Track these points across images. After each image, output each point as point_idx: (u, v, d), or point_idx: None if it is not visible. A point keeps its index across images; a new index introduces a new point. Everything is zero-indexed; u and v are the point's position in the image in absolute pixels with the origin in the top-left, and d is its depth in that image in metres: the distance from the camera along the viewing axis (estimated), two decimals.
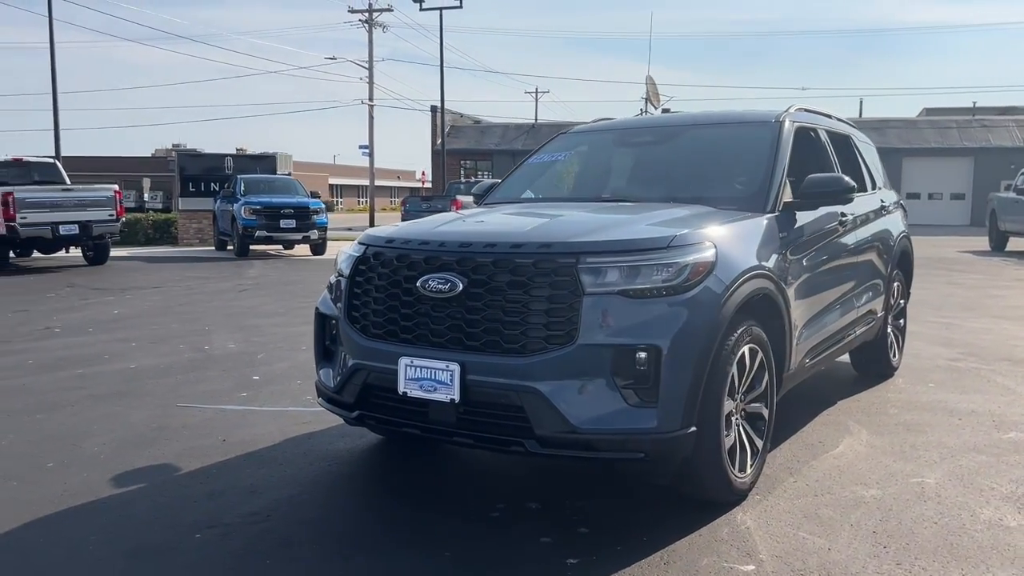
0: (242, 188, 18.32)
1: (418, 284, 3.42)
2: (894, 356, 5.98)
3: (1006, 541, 3.18)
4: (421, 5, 29.74)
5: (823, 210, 4.54)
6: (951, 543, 3.16)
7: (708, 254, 3.35)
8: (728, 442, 3.45)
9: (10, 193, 14.18)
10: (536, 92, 63.34)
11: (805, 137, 4.87)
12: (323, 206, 18.33)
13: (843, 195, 4.28)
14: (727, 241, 3.54)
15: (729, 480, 3.44)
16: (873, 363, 5.86)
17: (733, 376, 3.45)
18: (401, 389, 3.43)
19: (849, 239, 4.84)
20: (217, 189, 21.02)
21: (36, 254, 16.35)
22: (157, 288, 12.12)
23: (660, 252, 3.28)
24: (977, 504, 3.56)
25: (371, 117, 39.26)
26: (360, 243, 3.85)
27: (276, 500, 3.62)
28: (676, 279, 3.24)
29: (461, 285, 3.33)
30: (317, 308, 4.01)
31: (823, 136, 5.04)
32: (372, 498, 3.75)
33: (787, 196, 4.23)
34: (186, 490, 3.75)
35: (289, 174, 23.15)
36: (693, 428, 3.22)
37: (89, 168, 48.35)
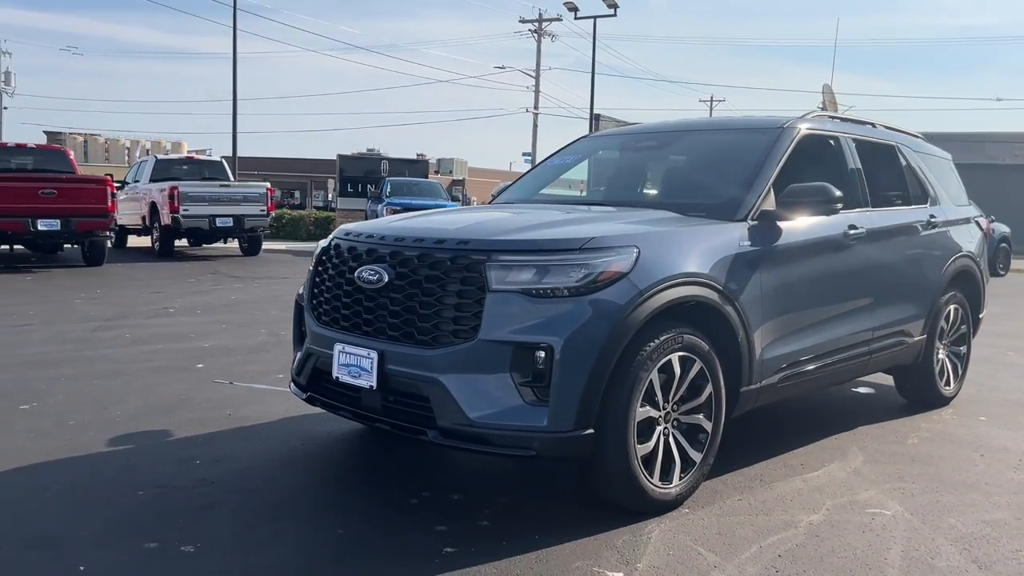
0: (388, 190, 19.28)
1: (355, 275, 3.62)
2: (947, 385, 5.55)
3: None
4: (576, 14, 29.96)
5: (822, 220, 4.34)
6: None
7: (623, 258, 3.33)
8: (643, 450, 3.40)
9: (175, 187, 15.61)
10: (711, 100, 62.04)
11: (818, 146, 4.66)
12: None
13: (826, 205, 4.08)
14: (657, 247, 3.49)
15: (642, 488, 3.39)
16: (918, 390, 5.47)
17: (653, 383, 3.40)
18: (335, 374, 3.63)
19: (861, 252, 4.57)
20: (373, 190, 22.15)
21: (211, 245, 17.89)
22: (285, 279, 12.98)
23: (571, 253, 3.30)
24: (920, 541, 3.31)
25: (535, 125, 39.96)
26: (332, 235, 4.10)
27: (230, 470, 3.91)
28: (582, 281, 3.24)
29: (387, 277, 3.48)
30: (296, 295, 4.29)
31: (848, 145, 4.78)
32: (314, 477, 3.94)
33: (770, 205, 4.08)
34: (162, 454, 4.12)
35: (463, 180, 24.05)
36: (590, 431, 3.21)
37: (275, 168, 52.11)
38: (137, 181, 17.66)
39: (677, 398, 3.57)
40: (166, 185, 15.85)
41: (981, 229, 6.06)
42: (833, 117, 4.96)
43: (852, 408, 5.50)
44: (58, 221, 12.94)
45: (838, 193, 4.06)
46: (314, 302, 3.94)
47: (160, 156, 18.96)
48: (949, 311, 5.47)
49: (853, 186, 4.72)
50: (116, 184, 18.26)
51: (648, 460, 3.44)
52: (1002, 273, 18.86)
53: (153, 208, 16.32)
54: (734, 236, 3.83)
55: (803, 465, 4.24)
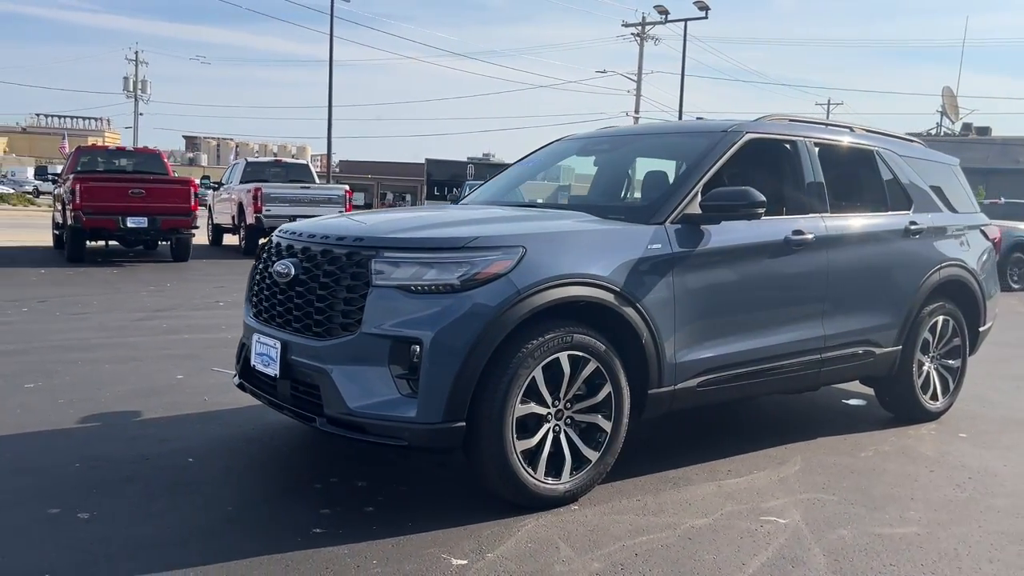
0: (466, 192, 19.68)
1: (271, 269, 3.85)
2: (934, 399, 5.33)
3: None
4: (666, 18, 29.61)
5: (759, 225, 4.30)
6: None
7: (504, 258, 3.42)
8: (524, 445, 3.48)
9: (259, 188, 16.41)
10: (828, 104, 60.03)
11: (768, 151, 4.61)
12: None
13: (748, 209, 4.03)
14: (546, 248, 3.56)
15: (523, 483, 3.47)
16: (898, 404, 5.28)
17: (536, 380, 3.47)
18: (252, 363, 3.88)
19: (810, 258, 4.48)
20: (454, 193, 22.64)
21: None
22: None
23: (453, 252, 3.43)
24: (793, 549, 3.27)
25: None
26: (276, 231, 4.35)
27: (170, 449, 4.20)
28: (460, 279, 3.36)
29: (293, 271, 3.70)
30: None
31: (807, 150, 4.69)
32: (241, 459, 4.13)
33: (695, 209, 4.07)
34: (119, 432, 4.46)
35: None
36: (461, 424, 3.33)
37: (391, 172, 53.63)
38: (230, 182, 18.63)
39: (570, 396, 3.63)
40: (251, 186, 16.67)
41: (987, 239, 5.78)
42: (797, 121, 4.86)
43: (828, 418, 5.36)
44: (145, 219, 13.81)
45: (760, 198, 4.01)
46: (249, 295, 4.20)
47: (250, 159, 19.92)
48: (936, 322, 5.27)
49: (808, 191, 4.63)
50: (213, 185, 19.36)
51: (532, 455, 3.52)
52: (1016, 286, 15.41)
53: (240, 208, 17.18)
54: (642, 239, 3.85)
55: (729, 471, 4.20)
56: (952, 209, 5.59)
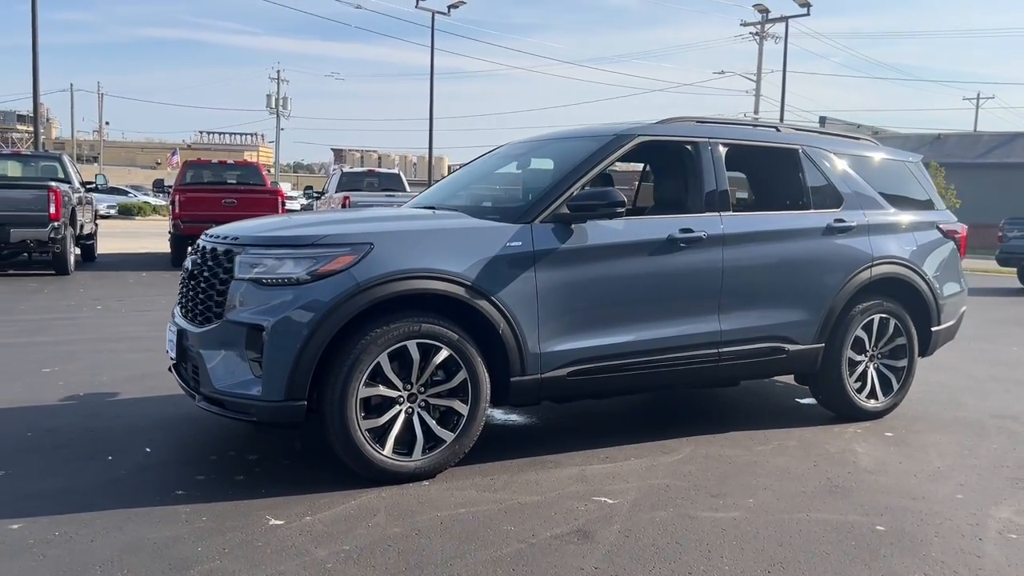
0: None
1: (185, 264, 4.40)
2: (873, 399, 5.31)
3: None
4: (766, 16, 28.85)
5: (640, 223, 4.52)
6: (472, 542, 3.28)
7: (349, 254, 3.81)
8: (370, 424, 3.84)
9: (347, 197, 17.33)
10: (977, 98, 56.54)
11: (663, 152, 4.79)
12: None
13: (607, 209, 4.24)
14: (396, 245, 3.93)
15: (368, 459, 3.84)
16: (831, 402, 5.30)
17: (382, 365, 3.84)
18: (166, 349, 4.43)
19: (701, 256, 4.61)
20: None
21: None
22: None
23: (303, 248, 3.86)
24: (571, 520, 3.49)
25: None
26: None
27: (120, 424, 4.79)
28: (306, 272, 3.78)
29: (190, 266, 4.23)
30: None
31: (710, 151, 4.81)
32: (171, 433, 4.65)
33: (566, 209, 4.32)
34: (85, 408, 5.12)
35: None
36: (303, 402, 3.74)
37: None
38: (329, 191, 19.75)
39: (424, 381, 3.97)
40: (342, 195, 17.64)
41: (945, 236, 5.67)
42: (706, 123, 4.99)
43: (765, 414, 5.42)
44: None
45: (619, 198, 4.22)
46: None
47: (346, 169, 21.02)
48: (872, 320, 5.24)
49: (706, 190, 4.75)
50: (316, 194, 20.55)
51: (381, 434, 3.89)
52: None
53: None
54: (501, 238, 4.14)
55: (606, 458, 4.42)
56: (901, 206, 5.53)
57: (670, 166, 4.84)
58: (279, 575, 2.97)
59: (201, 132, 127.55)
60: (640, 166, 6.21)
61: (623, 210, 4.27)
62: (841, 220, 5.16)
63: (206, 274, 4.08)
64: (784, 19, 36.74)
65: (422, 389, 3.99)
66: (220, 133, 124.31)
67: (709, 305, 4.67)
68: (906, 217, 5.50)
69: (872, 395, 5.33)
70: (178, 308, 4.48)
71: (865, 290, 5.20)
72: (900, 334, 5.38)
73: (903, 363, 5.43)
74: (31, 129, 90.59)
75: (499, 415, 5.27)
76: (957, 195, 25.04)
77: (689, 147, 4.84)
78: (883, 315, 5.29)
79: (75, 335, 7.77)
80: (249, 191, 15.70)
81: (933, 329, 5.55)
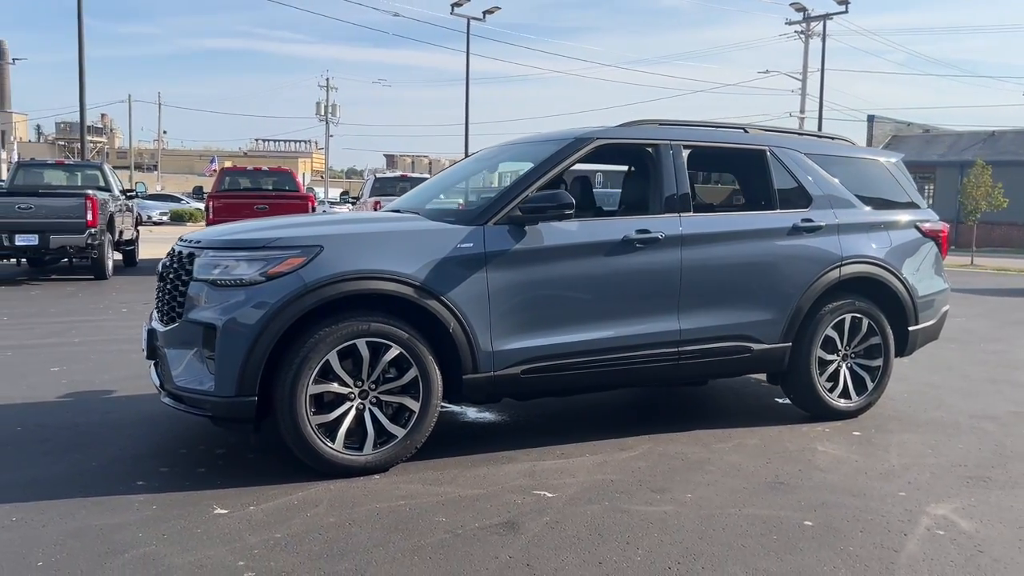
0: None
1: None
2: (845, 398, 5.31)
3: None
4: (805, 14, 28.43)
5: (596, 224, 4.63)
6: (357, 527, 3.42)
7: (299, 256, 3.99)
8: (321, 420, 4.00)
9: (378, 202, 17.63)
10: None
11: (624, 155, 4.88)
12: None
13: (556, 211, 4.34)
14: (346, 247, 4.09)
15: (319, 453, 4.00)
16: (801, 401, 5.32)
17: (331, 363, 4.00)
18: (142, 347, 4.66)
19: (658, 256, 4.67)
20: None
21: None
22: None
23: (255, 251, 4.05)
24: (488, 514, 3.60)
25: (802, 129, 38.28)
26: None
27: (105, 420, 5.04)
28: (257, 274, 3.97)
29: (162, 269, 4.45)
30: None
31: (672, 153, 4.87)
32: (150, 428, 4.87)
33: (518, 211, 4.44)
34: (78, 406, 5.38)
35: None
36: (253, 398, 3.92)
37: None
38: (363, 196, 20.10)
39: (375, 378, 4.12)
40: (373, 199, 17.97)
41: (924, 235, 5.64)
42: (669, 125, 5.06)
43: (740, 413, 5.46)
44: None
45: (568, 200, 4.33)
46: None
47: (379, 174, 21.36)
48: (844, 320, 5.25)
49: (666, 192, 4.82)
50: (352, 199, 20.91)
51: (331, 429, 4.05)
52: None
53: None
54: (453, 239, 4.28)
55: (561, 454, 4.52)
56: (877, 206, 5.52)
57: (632, 168, 4.92)
58: (207, 559, 3.15)
59: (257, 140, 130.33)
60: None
61: (571, 212, 4.37)
62: (809, 220, 5.17)
63: (171, 276, 4.30)
64: (824, 17, 36.21)
65: (373, 386, 4.14)
66: (275, 140, 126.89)
67: (668, 305, 4.74)
68: (881, 217, 5.49)
69: (845, 394, 5.33)
70: (155, 310, 4.71)
71: (834, 289, 5.21)
72: (874, 333, 5.37)
73: (878, 363, 5.41)
74: (96, 140, 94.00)
75: (472, 413, 5.41)
76: (1005, 194, 24.34)
77: (650, 149, 4.92)
78: (855, 314, 5.29)
79: (93, 336, 8.11)
80: (281, 197, 16.09)
81: (911, 329, 5.52)
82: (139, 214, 30.23)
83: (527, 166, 4.75)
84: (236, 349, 3.89)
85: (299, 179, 18.04)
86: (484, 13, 32.57)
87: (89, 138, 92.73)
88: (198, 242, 4.27)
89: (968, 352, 8.06)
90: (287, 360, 3.94)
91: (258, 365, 3.91)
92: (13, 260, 13.94)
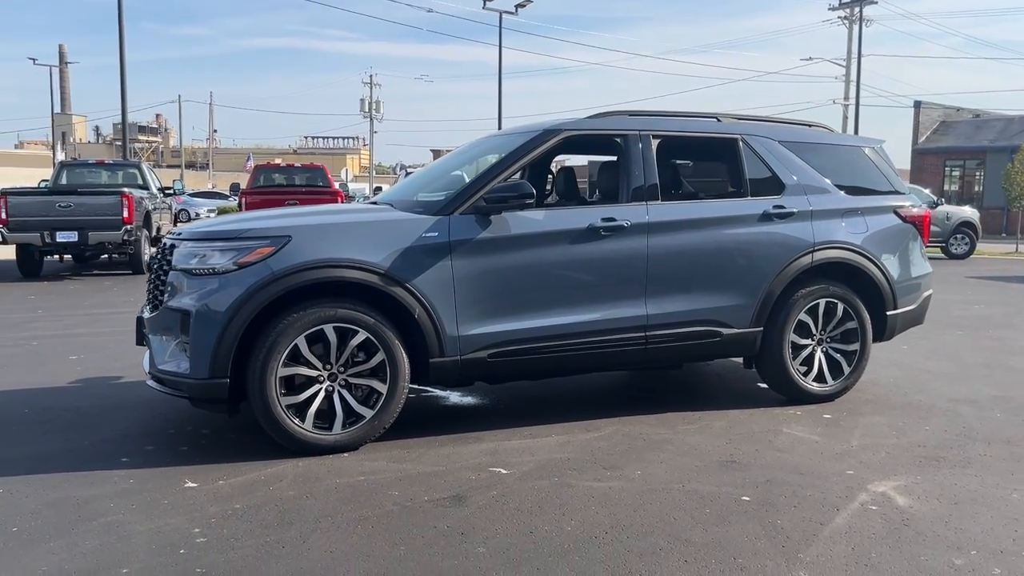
0: None
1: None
2: (820, 381, 5.39)
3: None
4: (840, 1, 27.91)
5: (561, 212, 4.79)
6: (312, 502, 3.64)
7: (267, 246, 4.22)
8: (290, 400, 4.23)
9: None
10: None
11: (592, 145, 5.02)
12: None
13: (518, 201, 4.51)
14: (313, 237, 4.31)
15: (288, 432, 4.23)
16: (776, 384, 5.41)
17: (299, 347, 4.23)
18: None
19: (625, 243, 4.81)
20: None
21: None
22: None
23: (227, 241, 4.30)
24: (465, 489, 3.79)
25: (844, 117, 37.74)
26: None
27: (106, 404, 5.35)
28: (228, 263, 4.21)
29: (150, 259, 4.73)
30: None
31: (640, 143, 5.00)
32: (144, 411, 5.14)
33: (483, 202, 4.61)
34: (85, 391, 5.70)
35: None
36: (225, 380, 4.17)
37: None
38: None
39: (343, 361, 4.34)
40: None
41: (904, 220, 5.67)
42: (639, 115, 5.18)
43: (718, 396, 5.57)
44: None
45: (529, 190, 4.50)
46: None
47: (409, 168, 21.72)
48: (817, 305, 5.33)
49: (634, 181, 4.95)
50: (376, 189, 21.23)
51: (301, 409, 4.28)
52: None
53: None
54: (418, 229, 4.47)
55: (528, 435, 4.70)
56: (854, 192, 5.57)
57: (604, 159, 5.05)
58: (166, 527, 3.40)
59: (306, 137, 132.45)
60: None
61: (532, 201, 4.54)
62: (781, 207, 5.26)
63: (155, 266, 4.58)
64: (865, 2, 35.57)
65: (342, 369, 4.36)
66: (324, 137, 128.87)
67: (635, 290, 4.87)
68: (858, 203, 5.54)
69: (820, 378, 5.40)
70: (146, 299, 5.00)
71: (808, 275, 5.29)
72: (850, 318, 5.43)
73: (854, 347, 5.47)
74: (152, 139, 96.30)
75: (455, 397, 5.60)
76: None
77: (619, 140, 5.05)
78: (829, 299, 5.36)
79: (118, 327, 8.49)
80: (310, 192, 16.46)
81: (889, 313, 5.57)
82: (185, 211, 31.10)
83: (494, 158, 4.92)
84: (208, 334, 4.14)
85: (330, 175, 18.41)
86: (516, 7, 32.69)
87: (144, 138, 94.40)
88: (180, 234, 4.53)
89: (973, 338, 8.02)
90: (258, 344, 4.18)
91: (229, 349, 4.15)
92: (56, 256, 14.53)
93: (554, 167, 6.43)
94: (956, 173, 36.57)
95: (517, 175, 4.85)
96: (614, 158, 5.17)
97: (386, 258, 4.36)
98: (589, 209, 4.93)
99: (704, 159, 5.31)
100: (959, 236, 20.08)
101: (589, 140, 5.08)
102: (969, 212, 20.83)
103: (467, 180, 4.79)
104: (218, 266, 4.22)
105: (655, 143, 5.06)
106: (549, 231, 4.71)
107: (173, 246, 4.47)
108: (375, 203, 5.34)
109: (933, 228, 19.53)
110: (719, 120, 5.43)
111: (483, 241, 4.56)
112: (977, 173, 35.66)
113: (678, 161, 5.28)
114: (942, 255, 20.13)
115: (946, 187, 35.65)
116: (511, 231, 4.61)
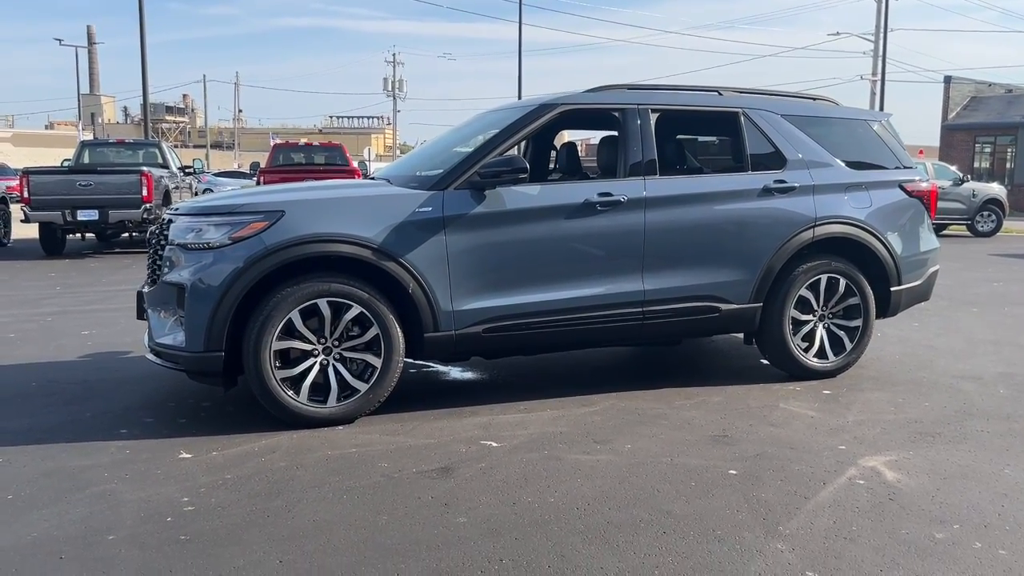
0: None
1: None
2: (821, 357, 5.35)
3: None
4: None
5: (557, 187, 4.78)
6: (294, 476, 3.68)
7: (261, 221, 4.25)
8: (286, 374, 4.28)
9: None
10: None
11: (590, 119, 4.99)
12: None
13: (511, 175, 4.50)
14: (306, 212, 4.34)
15: (283, 404, 4.28)
16: (777, 360, 5.38)
17: (293, 321, 4.27)
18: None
19: (621, 218, 4.79)
20: None
21: None
22: None
23: (222, 216, 4.34)
24: (455, 460, 3.82)
25: (872, 93, 37.13)
26: None
27: (112, 378, 5.43)
28: (223, 237, 4.25)
29: (149, 236, 4.79)
30: None
31: (638, 117, 4.96)
32: (148, 385, 5.22)
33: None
34: (94, 365, 5.79)
35: None
36: (220, 353, 4.22)
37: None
38: None
39: (338, 335, 4.38)
40: None
41: (909, 194, 5.60)
42: (638, 89, 5.14)
43: (722, 372, 5.56)
44: None
45: (522, 165, 4.49)
46: None
47: None
48: (819, 280, 5.28)
49: (632, 156, 4.91)
50: None
51: (296, 382, 4.33)
52: None
53: None
54: (412, 204, 4.48)
55: (524, 409, 4.72)
56: (858, 166, 5.50)
57: (604, 134, 5.02)
58: (156, 495, 3.46)
59: (331, 117, 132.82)
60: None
61: (525, 175, 4.53)
62: (782, 181, 5.20)
63: (153, 242, 4.63)
64: None
65: (336, 343, 4.39)
66: (349, 117, 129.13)
67: (632, 265, 4.86)
68: (862, 177, 5.47)
69: (821, 354, 5.37)
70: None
71: (809, 250, 5.24)
72: (852, 294, 5.38)
73: (857, 323, 5.42)
74: (179, 119, 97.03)
75: (456, 372, 5.63)
76: None
77: (616, 114, 5.01)
78: (831, 275, 5.31)
79: (130, 304, 8.56)
80: (329, 171, 16.49)
81: (893, 289, 5.51)
82: (210, 190, 31.31)
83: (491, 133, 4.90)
84: (203, 307, 4.19)
85: (348, 154, 18.44)
86: None
87: (172, 118, 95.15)
88: (177, 210, 4.58)
89: (987, 315, 7.91)
90: (252, 318, 4.23)
91: (224, 322, 4.20)
92: (78, 235, 14.72)
93: (557, 143, 6.42)
94: (987, 150, 35.86)
95: (513, 150, 4.83)
96: (613, 133, 5.13)
97: (379, 233, 4.37)
98: (586, 184, 4.91)
99: (705, 133, 5.26)
100: (985, 213, 19.74)
101: (586, 114, 5.06)
102: (996, 189, 20.46)
103: (464, 155, 4.78)
104: (213, 241, 4.26)
105: (654, 117, 5.02)
106: (544, 206, 4.70)
107: (171, 221, 4.52)
108: (373, 178, 5.36)
109: (958, 205, 19.25)
110: (720, 94, 5.37)
111: (477, 216, 4.56)
112: (1009, 150, 34.95)
113: (678, 135, 5.23)
114: (967, 233, 19.83)
115: (976, 164, 35.02)
116: (505, 206, 4.61)
